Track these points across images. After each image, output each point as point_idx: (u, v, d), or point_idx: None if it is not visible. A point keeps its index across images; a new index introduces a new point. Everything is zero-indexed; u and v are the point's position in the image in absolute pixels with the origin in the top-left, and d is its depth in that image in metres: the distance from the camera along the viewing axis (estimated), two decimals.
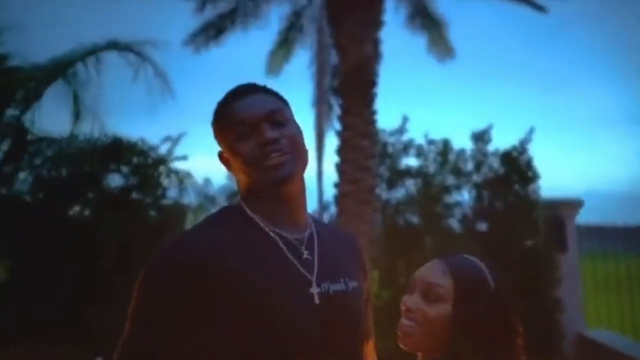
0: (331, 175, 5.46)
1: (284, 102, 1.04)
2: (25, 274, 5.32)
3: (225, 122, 1.00)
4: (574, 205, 5.87)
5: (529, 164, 5.70)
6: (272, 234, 0.94)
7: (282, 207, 0.96)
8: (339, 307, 0.93)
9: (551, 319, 5.24)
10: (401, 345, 0.97)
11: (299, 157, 0.97)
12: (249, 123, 0.96)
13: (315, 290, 0.92)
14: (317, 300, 0.91)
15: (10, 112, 5.78)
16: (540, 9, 6.01)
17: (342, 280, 0.97)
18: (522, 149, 5.75)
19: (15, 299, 5.27)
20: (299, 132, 1.00)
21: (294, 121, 1.02)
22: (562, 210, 5.74)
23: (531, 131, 5.75)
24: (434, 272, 1.00)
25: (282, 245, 0.93)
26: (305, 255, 0.94)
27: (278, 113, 0.99)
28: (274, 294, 0.88)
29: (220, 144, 1.02)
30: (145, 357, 0.85)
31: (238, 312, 0.85)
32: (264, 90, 1.04)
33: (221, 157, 1.03)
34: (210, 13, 6.31)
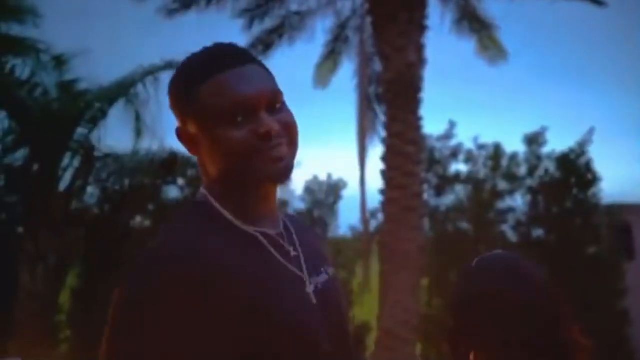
0: (374, 182, 5.46)
1: (272, 75, 0.86)
2: (92, 281, 5.70)
3: (207, 94, 0.79)
4: None
5: (588, 166, 5.41)
6: (253, 233, 0.81)
7: (260, 201, 0.84)
8: (331, 300, 0.87)
9: (617, 332, 4.89)
10: None
11: (295, 149, 0.84)
12: (244, 106, 0.78)
13: (310, 289, 0.84)
14: (314, 300, 0.84)
15: (80, 131, 6.28)
16: (598, 3, 5.72)
17: (322, 269, 0.90)
18: (580, 150, 5.46)
19: (85, 304, 5.67)
20: (293, 117, 0.85)
21: (285, 103, 0.85)
22: (627, 215, 5.39)
23: (590, 132, 5.46)
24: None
25: (267, 245, 0.82)
26: (292, 252, 0.85)
27: (278, 95, 0.82)
28: (277, 299, 0.78)
29: (184, 117, 0.82)
30: None
31: (242, 327, 0.74)
32: (257, 61, 0.84)
33: (181, 135, 0.83)
34: (258, 29, 6.54)
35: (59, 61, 6.19)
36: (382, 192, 4.83)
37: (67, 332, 5.94)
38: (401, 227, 4.58)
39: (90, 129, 6.25)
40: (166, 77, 5.93)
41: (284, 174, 0.82)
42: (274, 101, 0.81)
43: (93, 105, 6.18)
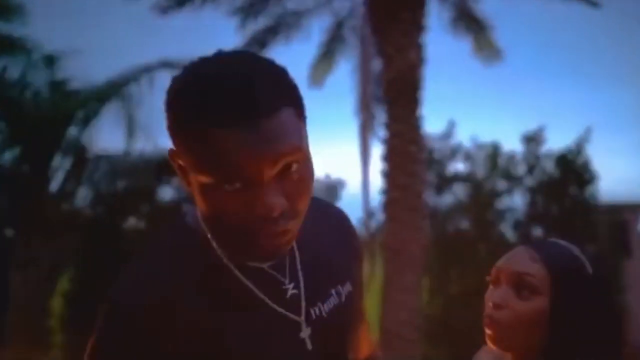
0: (374, 182, 5.43)
1: (300, 110, 0.65)
2: (85, 284, 5.58)
3: (200, 144, 0.60)
4: (638, 207, 5.57)
5: (586, 166, 5.46)
6: (240, 276, 0.70)
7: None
8: (334, 330, 0.78)
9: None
10: (489, 344, 0.90)
11: (303, 212, 0.68)
12: (245, 176, 0.60)
13: (305, 333, 0.74)
14: (309, 346, 0.74)
15: (71, 131, 6.15)
16: (593, 4, 5.78)
17: (333, 291, 0.79)
18: (578, 149, 5.51)
19: (77, 308, 5.54)
20: (311, 177, 0.67)
21: (308, 152, 0.66)
22: (624, 214, 5.46)
23: (588, 131, 5.51)
24: (521, 259, 0.85)
25: (253, 288, 0.70)
26: (290, 291, 0.73)
27: (297, 154, 0.62)
28: (261, 356, 0.70)
29: (176, 147, 0.64)
30: None
31: None
32: (288, 98, 0.62)
33: (173, 158, 0.66)
34: (253, 28, 6.49)
35: (50, 60, 6.07)
36: (384, 192, 4.81)
37: (58, 337, 5.81)
38: (404, 228, 4.55)
39: (82, 129, 6.14)
40: (161, 76, 5.85)
41: (285, 247, 0.68)
42: (288, 165, 0.62)
43: (85, 104, 6.07)
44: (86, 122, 6.12)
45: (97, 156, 6.28)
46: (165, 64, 5.77)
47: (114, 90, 6.02)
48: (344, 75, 6.37)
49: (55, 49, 6.12)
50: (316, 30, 6.57)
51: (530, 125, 5.72)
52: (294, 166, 0.62)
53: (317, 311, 0.75)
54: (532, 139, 5.59)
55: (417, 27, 5.00)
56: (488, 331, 0.84)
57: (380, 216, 5.38)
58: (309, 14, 6.46)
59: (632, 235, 5.41)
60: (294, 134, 0.62)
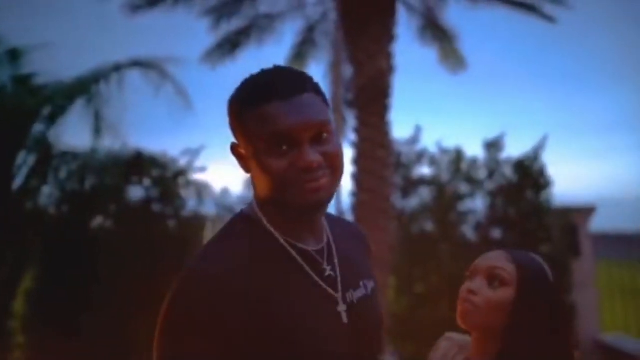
0: (345, 184, 5.58)
1: (327, 103, 0.89)
2: (49, 284, 5.47)
3: (254, 122, 0.82)
4: (587, 211, 5.94)
5: (542, 171, 5.78)
6: (292, 251, 0.86)
7: (304, 223, 0.89)
8: (365, 316, 0.91)
9: None
10: (459, 322, 1.06)
11: (338, 178, 0.87)
12: (289, 138, 0.81)
13: (342, 308, 0.87)
14: (344, 319, 0.87)
15: (36, 127, 5.99)
16: (549, 19, 6.11)
17: (361, 284, 0.94)
18: (534, 156, 5.83)
19: (40, 308, 5.43)
20: (340, 147, 0.87)
21: (335, 131, 0.88)
22: (574, 217, 5.81)
23: (544, 139, 5.84)
24: (497, 258, 1.05)
25: (303, 263, 0.86)
26: (328, 271, 0.88)
27: (325, 126, 0.84)
28: (304, 320, 0.82)
29: (237, 139, 0.87)
30: None
31: (268, 342, 0.78)
32: (312, 87, 0.86)
33: (235, 150, 0.89)
34: (226, 29, 6.51)
35: (14, 54, 5.89)
36: (354, 194, 4.97)
37: (20, 339, 5.68)
38: (372, 229, 4.72)
39: (48, 125, 5.99)
40: (132, 75, 5.79)
41: (321, 204, 0.86)
42: (319, 132, 0.83)
43: (51, 101, 5.93)
44: (52, 118, 5.97)
45: (63, 153, 6.15)
46: (136, 63, 5.72)
47: (82, 87, 5.91)
48: (316, 79, 6.49)
49: (21, 43, 5.95)
50: (288, 34, 6.66)
51: (493, 131, 6.02)
52: (324, 135, 0.84)
53: (350, 296, 0.90)
54: (493, 145, 5.87)
55: (387, 35, 5.18)
56: (461, 309, 1.02)
57: (349, 218, 5.54)
58: (281, 17, 6.54)
59: (580, 237, 5.78)
60: (321, 109, 0.85)
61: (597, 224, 5.98)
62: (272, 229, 0.87)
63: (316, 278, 0.87)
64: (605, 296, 5.98)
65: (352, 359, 0.86)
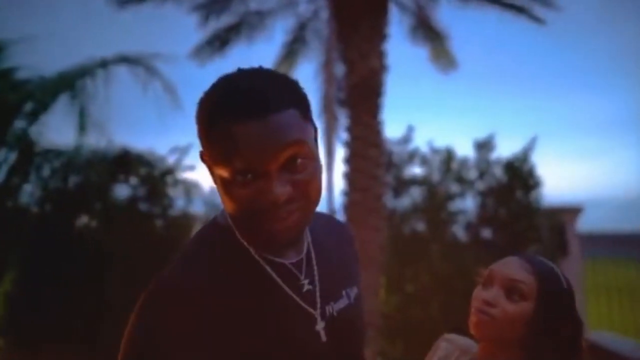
0: (337, 183, 5.54)
1: (310, 117, 0.76)
2: (31, 285, 5.32)
3: (219, 141, 0.71)
4: (574, 211, 6.02)
5: (531, 172, 5.83)
6: (266, 267, 0.78)
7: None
8: (346, 329, 0.85)
9: None
10: (472, 331, 1.03)
11: (312, 207, 0.75)
12: (255, 166, 0.70)
13: (320, 326, 0.81)
14: (323, 337, 0.81)
15: (18, 124, 5.82)
16: (538, 20, 6.15)
17: (344, 293, 0.88)
18: (524, 157, 5.87)
19: (20, 310, 5.27)
20: (317, 172, 0.75)
21: (314, 151, 0.74)
22: (562, 217, 5.88)
23: (534, 139, 5.89)
24: (516, 268, 1.02)
25: (277, 279, 0.79)
26: (306, 286, 0.82)
27: (300, 150, 0.71)
28: (277, 344, 0.76)
29: (203, 149, 0.77)
30: None
31: None
32: (292, 101, 0.73)
33: (203, 160, 0.79)
34: (215, 26, 6.41)
35: None
36: (345, 193, 4.93)
37: None
38: (364, 228, 4.69)
39: (30, 122, 5.82)
40: (118, 71, 5.66)
41: (291, 241, 0.76)
42: (293, 157, 0.71)
43: (34, 96, 5.76)
44: (35, 114, 5.80)
45: (46, 151, 5.98)
46: (123, 59, 5.59)
47: (66, 82, 5.75)
48: (307, 77, 6.44)
49: (1, 36, 5.76)
50: (279, 31, 6.59)
51: (483, 132, 6.05)
52: (298, 161, 0.72)
53: (330, 309, 0.84)
54: (484, 146, 5.90)
55: (379, 34, 5.16)
56: (476, 320, 0.98)
57: (341, 217, 5.50)
58: (272, 14, 6.47)
59: (568, 237, 5.86)
60: (297, 129, 0.72)
61: (588, 224, 6.08)
62: (245, 242, 0.80)
63: (293, 295, 0.80)
64: (591, 294, 6.06)
65: None
